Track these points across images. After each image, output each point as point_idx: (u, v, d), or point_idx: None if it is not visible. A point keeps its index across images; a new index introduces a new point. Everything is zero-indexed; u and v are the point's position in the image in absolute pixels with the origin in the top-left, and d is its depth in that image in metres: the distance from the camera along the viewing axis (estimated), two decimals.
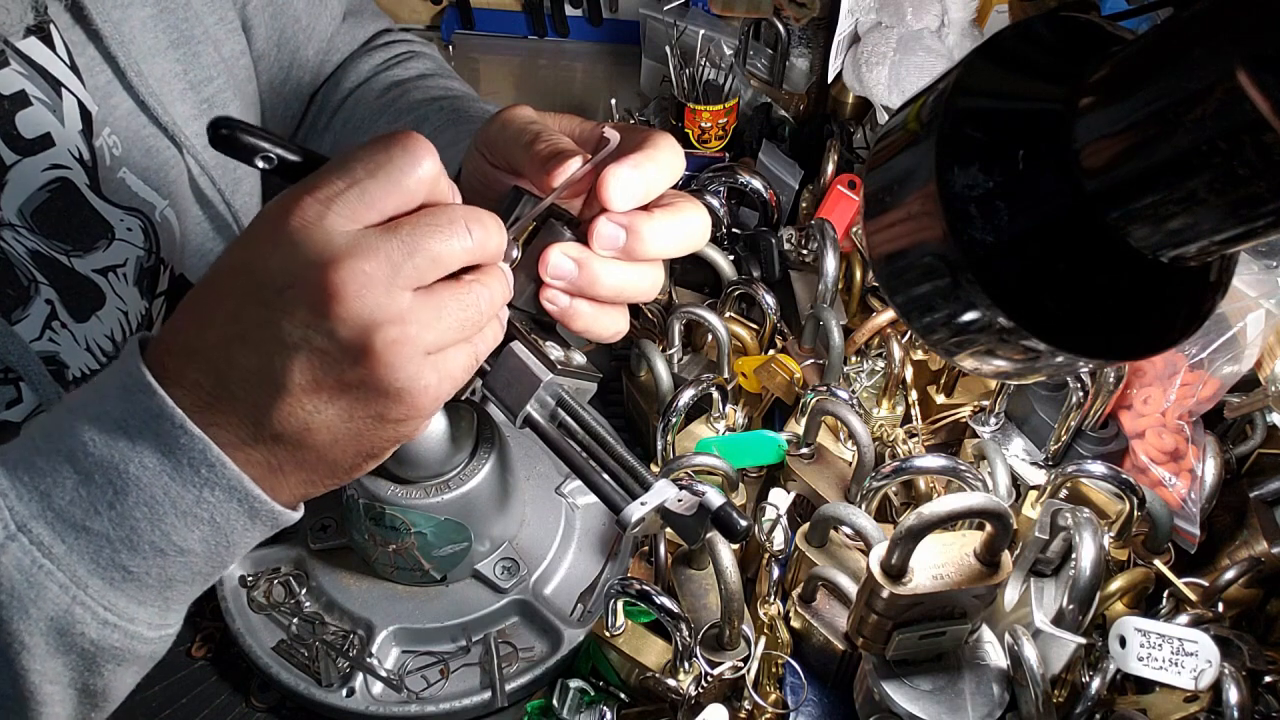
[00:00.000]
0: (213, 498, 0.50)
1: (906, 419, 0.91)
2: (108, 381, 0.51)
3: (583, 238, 0.58)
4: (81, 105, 0.71)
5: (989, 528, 0.63)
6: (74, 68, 0.71)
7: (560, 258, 0.57)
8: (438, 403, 0.51)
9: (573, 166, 0.56)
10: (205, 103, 0.81)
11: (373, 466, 0.54)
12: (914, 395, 0.91)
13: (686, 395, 0.82)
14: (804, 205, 1.14)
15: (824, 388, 0.83)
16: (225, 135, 0.52)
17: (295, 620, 0.76)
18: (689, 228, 0.60)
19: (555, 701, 0.74)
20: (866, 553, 0.74)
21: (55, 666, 0.53)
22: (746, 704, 0.72)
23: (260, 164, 0.53)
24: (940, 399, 0.93)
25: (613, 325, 0.61)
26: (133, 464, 0.49)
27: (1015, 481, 0.81)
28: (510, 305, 0.57)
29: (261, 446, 0.50)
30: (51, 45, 0.70)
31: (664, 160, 0.58)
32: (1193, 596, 0.74)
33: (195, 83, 0.80)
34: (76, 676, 0.54)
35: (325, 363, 0.48)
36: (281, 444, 0.50)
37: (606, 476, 0.57)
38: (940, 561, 0.64)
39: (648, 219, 0.57)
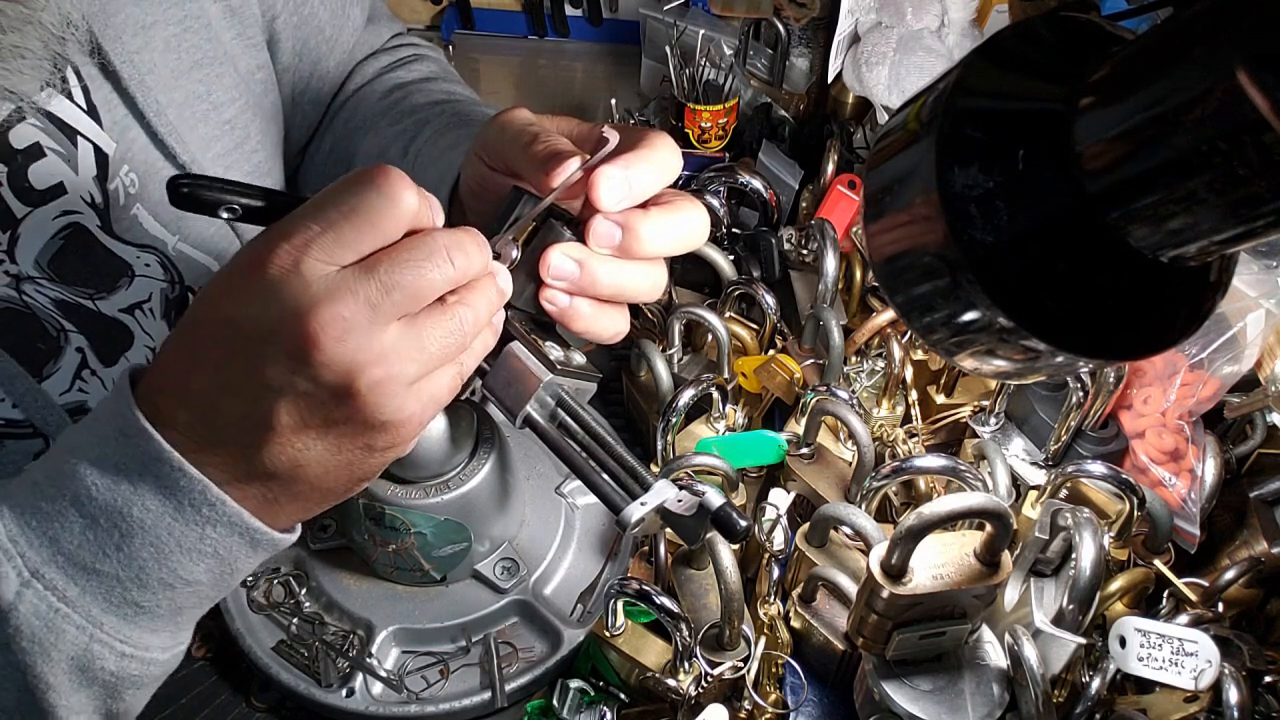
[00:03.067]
0: (215, 534, 0.52)
1: (906, 419, 0.91)
2: (105, 424, 0.52)
3: (583, 237, 0.58)
4: (97, 150, 0.70)
5: (989, 528, 0.63)
6: (91, 109, 0.70)
7: (561, 258, 0.57)
8: (423, 426, 0.53)
9: (571, 167, 0.56)
10: (227, 124, 0.81)
11: (365, 485, 0.55)
12: (914, 395, 0.91)
13: (686, 395, 0.82)
14: (804, 205, 1.14)
15: (824, 388, 0.83)
16: (185, 192, 0.52)
17: (295, 620, 0.76)
18: (687, 226, 0.60)
19: (555, 702, 0.74)
20: (866, 553, 0.74)
21: (80, 700, 0.54)
22: (746, 704, 0.72)
23: (224, 215, 0.53)
24: (940, 399, 0.93)
25: (613, 326, 0.61)
26: (135, 507, 0.50)
27: (1015, 481, 0.80)
28: (510, 305, 0.57)
29: (255, 483, 0.51)
30: (69, 91, 0.69)
31: (658, 160, 0.58)
32: (1193, 596, 0.74)
33: (217, 104, 0.79)
34: (100, 705, 0.56)
35: (310, 405, 0.48)
36: (274, 480, 0.51)
37: (606, 477, 0.57)
38: (940, 561, 0.64)
39: (644, 217, 0.57)
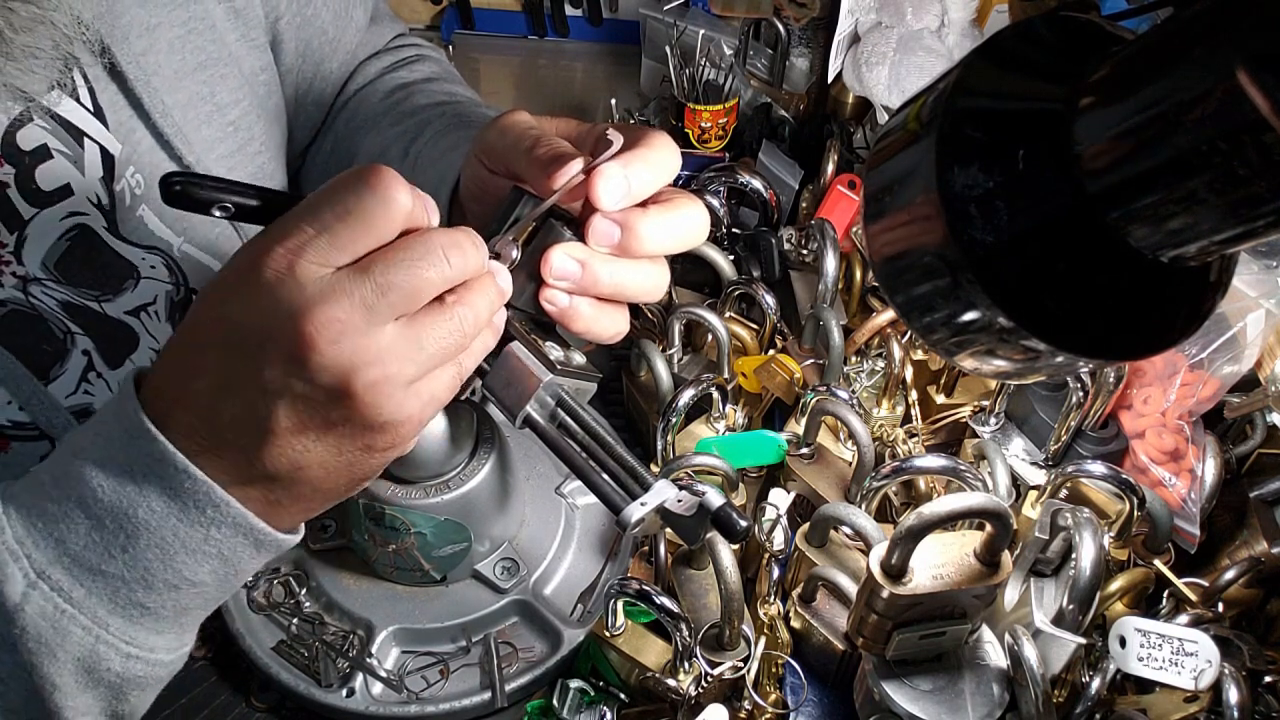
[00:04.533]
0: (219, 535, 0.52)
1: (906, 419, 0.91)
2: (110, 425, 0.52)
3: (583, 237, 0.58)
4: (103, 150, 0.70)
5: (989, 528, 0.63)
6: (97, 110, 0.70)
7: (563, 258, 0.57)
8: (423, 425, 0.53)
9: (574, 169, 0.56)
10: (231, 125, 0.81)
11: (366, 485, 0.55)
12: (914, 395, 0.91)
13: (686, 395, 0.82)
14: (804, 205, 1.14)
15: (824, 388, 0.83)
16: (178, 190, 0.52)
17: (295, 620, 0.76)
18: (687, 224, 0.60)
19: (555, 701, 0.74)
20: (866, 553, 0.74)
21: (86, 701, 0.55)
22: (746, 704, 0.72)
23: (217, 213, 0.53)
24: (940, 399, 0.93)
25: (613, 326, 0.61)
26: (141, 508, 0.51)
27: (1015, 481, 0.80)
28: (510, 305, 0.57)
29: (257, 485, 0.52)
30: (75, 93, 0.69)
31: (656, 159, 0.58)
32: (1193, 596, 0.74)
33: (221, 106, 0.80)
34: (106, 706, 0.56)
35: (309, 407, 0.49)
36: (276, 481, 0.52)
37: (606, 477, 0.57)
38: (940, 561, 0.64)
39: (644, 216, 0.57)
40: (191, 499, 0.51)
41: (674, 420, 0.82)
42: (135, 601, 0.53)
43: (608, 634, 0.73)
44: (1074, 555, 0.66)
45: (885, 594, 0.63)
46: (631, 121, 1.28)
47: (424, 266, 0.49)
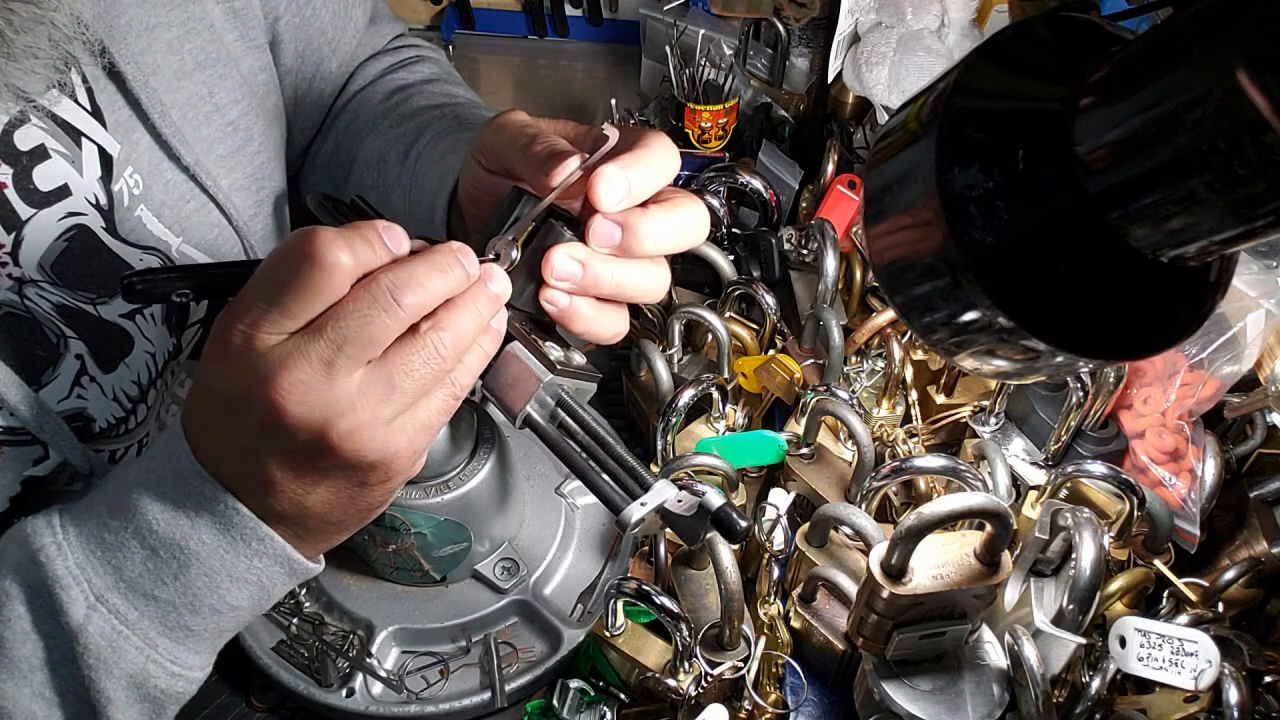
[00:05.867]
0: (260, 564, 0.56)
1: (906, 419, 0.91)
2: (162, 464, 0.56)
3: (582, 237, 0.58)
4: (102, 151, 0.71)
5: (989, 528, 0.63)
6: (95, 110, 0.70)
7: (564, 259, 0.57)
8: (420, 452, 0.55)
9: (571, 166, 0.56)
10: (230, 126, 0.81)
11: (380, 511, 0.58)
12: (914, 395, 0.91)
13: (686, 395, 0.82)
14: (804, 205, 1.14)
15: (824, 388, 0.83)
16: (140, 289, 0.56)
17: (295, 620, 0.76)
18: (687, 224, 0.60)
19: (555, 701, 0.74)
20: (866, 553, 0.74)
21: (133, 715, 0.59)
22: (746, 704, 0.72)
23: (177, 299, 0.57)
24: (940, 399, 0.93)
25: (613, 326, 0.61)
26: (193, 540, 0.55)
27: (1015, 481, 0.80)
28: (510, 305, 0.57)
29: (273, 523, 0.55)
30: (73, 93, 0.69)
31: (655, 160, 0.58)
32: (1193, 596, 0.74)
33: (220, 106, 0.80)
34: (149, 719, 0.61)
35: (295, 460, 0.52)
36: (288, 522, 0.55)
37: (606, 477, 0.57)
38: (940, 561, 0.64)
39: (644, 216, 0.58)
40: (239, 533, 0.55)
41: (674, 420, 0.82)
42: (182, 625, 0.58)
43: (608, 634, 0.73)
44: (1074, 555, 0.66)
45: (885, 594, 0.63)
46: (631, 122, 1.28)
47: (374, 314, 0.50)
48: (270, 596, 0.59)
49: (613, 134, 0.57)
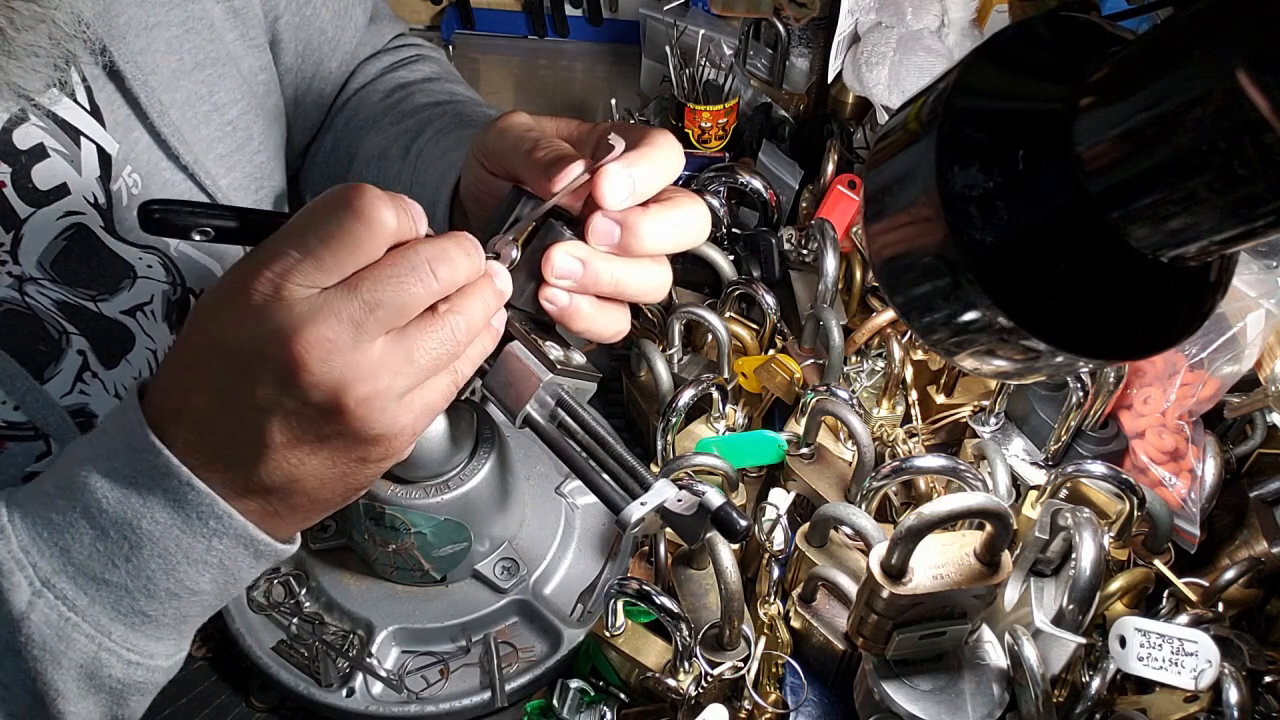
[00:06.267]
0: (221, 545, 0.53)
1: (906, 419, 0.91)
2: (114, 437, 0.53)
3: (582, 236, 0.58)
4: (101, 150, 0.70)
5: (989, 528, 0.63)
6: (94, 109, 0.70)
7: (565, 257, 0.57)
8: (418, 434, 0.54)
9: (575, 171, 0.57)
10: (229, 125, 0.81)
11: (362, 493, 0.56)
12: (914, 395, 0.91)
13: (686, 395, 0.82)
14: (804, 205, 1.14)
15: (824, 388, 0.83)
16: (157, 218, 0.53)
17: (295, 620, 0.76)
18: (687, 223, 0.60)
19: (555, 701, 0.74)
20: (866, 553, 0.74)
21: (88, 706, 0.56)
22: (746, 704, 0.72)
23: (197, 237, 0.54)
24: (940, 399, 0.93)
25: (613, 325, 0.61)
26: (145, 519, 0.52)
27: (1015, 481, 0.80)
28: (510, 305, 0.57)
29: (255, 497, 0.53)
30: (72, 92, 0.69)
31: (659, 159, 0.58)
32: (1193, 596, 0.74)
33: (219, 105, 0.80)
34: (106, 711, 0.57)
35: (302, 423, 0.50)
36: (272, 493, 0.52)
37: (606, 476, 0.57)
38: (940, 561, 0.64)
39: (644, 214, 0.58)
40: (195, 511, 0.52)
41: (674, 420, 0.82)
42: (137, 610, 0.54)
43: (608, 634, 0.73)
44: (1074, 555, 0.66)
45: (885, 594, 0.63)
46: (632, 122, 1.28)
47: (411, 282, 0.49)
48: (237, 580, 0.56)
49: (618, 143, 0.57)
